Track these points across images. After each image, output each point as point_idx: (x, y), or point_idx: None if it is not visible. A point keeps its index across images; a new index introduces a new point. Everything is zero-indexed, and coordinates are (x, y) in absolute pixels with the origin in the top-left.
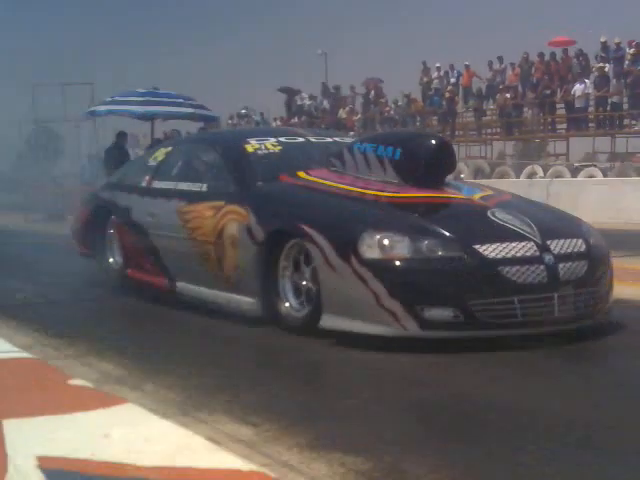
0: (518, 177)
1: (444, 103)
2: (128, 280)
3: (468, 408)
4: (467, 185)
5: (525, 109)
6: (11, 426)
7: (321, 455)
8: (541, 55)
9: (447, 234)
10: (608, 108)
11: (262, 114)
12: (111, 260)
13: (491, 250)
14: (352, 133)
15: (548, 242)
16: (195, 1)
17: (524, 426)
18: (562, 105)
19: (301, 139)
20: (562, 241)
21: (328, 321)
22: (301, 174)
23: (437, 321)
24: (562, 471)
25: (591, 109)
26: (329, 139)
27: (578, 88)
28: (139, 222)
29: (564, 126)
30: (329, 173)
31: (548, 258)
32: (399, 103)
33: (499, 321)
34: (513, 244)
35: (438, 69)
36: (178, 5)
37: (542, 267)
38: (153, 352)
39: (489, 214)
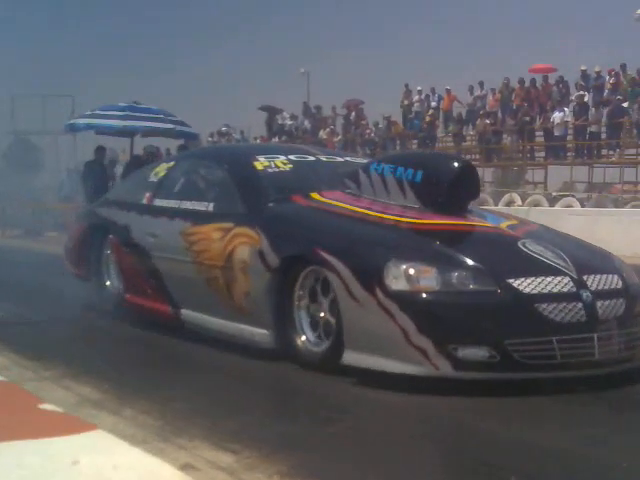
0: (497, 205)
1: (424, 127)
2: (126, 305)
3: (456, 444)
4: (490, 213)
5: (504, 135)
6: None
7: None
8: (521, 81)
9: (478, 265)
10: (587, 137)
11: (242, 132)
12: (108, 283)
13: (526, 285)
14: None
15: (584, 277)
16: (177, 17)
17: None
18: (541, 133)
19: (311, 157)
20: (598, 277)
21: (351, 358)
22: (315, 195)
23: (471, 361)
24: None
25: (570, 137)
26: (340, 158)
27: (557, 116)
28: (139, 243)
29: (542, 154)
30: (344, 195)
31: (586, 295)
32: (379, 125)
33: (537, 362)
34: (548, 279)
35: (419, 92)
36: (160, 21)
37: (580, 305)
38: (132, 376)
39: (520, 245)
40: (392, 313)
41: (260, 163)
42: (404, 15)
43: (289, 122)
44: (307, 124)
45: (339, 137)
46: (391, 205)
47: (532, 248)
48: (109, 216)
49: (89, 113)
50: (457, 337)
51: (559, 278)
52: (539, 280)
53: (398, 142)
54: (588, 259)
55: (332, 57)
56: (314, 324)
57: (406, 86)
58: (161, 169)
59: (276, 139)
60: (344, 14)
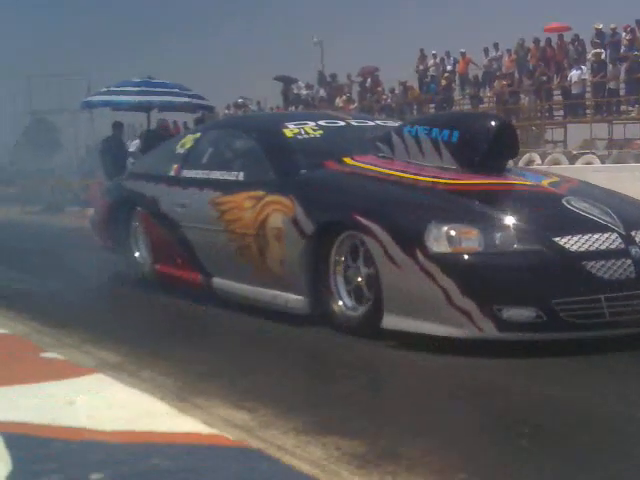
0: (516, 165)
1: (441, 90)
2: (157, 276)
3: (465, 394)
4: (530, 171)
5: (522, 96)
6: None
7: (317, 439)
8: (536, 41)
9: (522, 225)
10: (605, 94)
11: (259, 103)
12: (137, 254)
13: (573, 243)
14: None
15: (632, 233)
16: None
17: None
18: (559, 92)
19: (342, 122)
20: None
21: (391, 321)
22: (348, 160)
23: (517, 322)
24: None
25: (588, 95)
26: (371, 122)
27: (575, 74)
28: (168, 214)
29: (561, 113)
30: (377, 159)
31: (635, 251)
32: (396, 91)
33: (586, 321)
34: (596, 236)
35: (434, 56)
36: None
37: (629, 261)
38: (151, 340)
39: (564, 202)
40: (434, 275)
41: (289, 130)
42: None
43: (305, 91)
44: (323, 93)
45: (355, 104)
46: (427, 167)
47: (577, 205)
48: (136, 189)
49: (105, 90)
50: (502, 298)
51: (606, 235)
52: (586, 237)
53: (415, 107)
54: (635, 214)
55: (345, 26)
56: (351, 289)
57: (421, 51)
58: (187, 140)
59: (292, 109)
60: None
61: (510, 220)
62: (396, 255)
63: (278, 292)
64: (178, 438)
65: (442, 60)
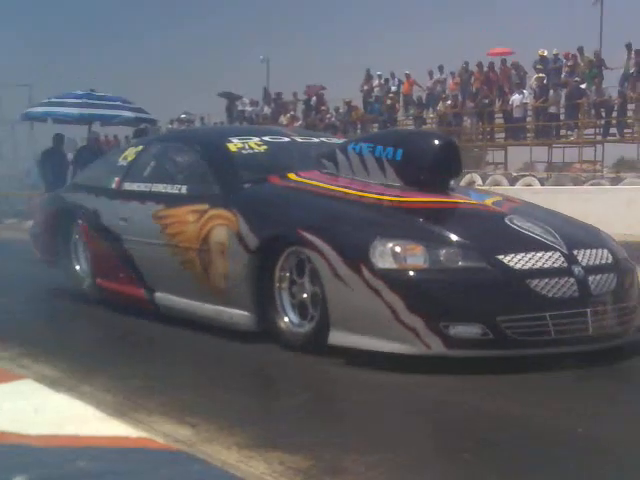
0: (457, 185)
1: (385, 110)
2: (98, 290)
3: (415, 406)
4: (473, 190)
5: (465, 118)
6: None
7: (260, 454)
8: (480, 65)
9: (466, 242)
10: (546, 118)
11: (202, 119)
12: (77, 268)
13: (517, 261)
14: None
15: (574, 252)
16: (137, 5)
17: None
18: (501, 115)
19: (286, 138)
20: (589, 251)
21: (338, 338)
22: (292, 176)
23: (464, 339)
24: None
25: (529, 119)
26: (315, 139)
27: (516, 98)
28: (109, 227)
29: (502, 135)
30: (322, 175)
31: (577, 270)
32: (340, 110)
33: (531, 338)
34: (539, 254)
35: (379, 77)
36: (116, 5)
37: (572, 280)
38: (91, 355)
39: (507, 221)
40: (380, 292)
41: (233, 145)
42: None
43: (249, 108)
44: (267, 110)
45: (299, 122)
46: (371, 184)
47: (520, 224)
48: (77, 201)
49: (46, 101)
50: (448, 315)
51: (549, 253)
52: (529, 256)
53: (359, 126)
54: (577, 234)
55: (291, 44)
56: (296, 305)
57: (367, 71)
58: (130, 153)
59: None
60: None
61: (454, 237)
62: (342, 271)
63: (222, 308)
64: (106, 441)
65: (386, 81)
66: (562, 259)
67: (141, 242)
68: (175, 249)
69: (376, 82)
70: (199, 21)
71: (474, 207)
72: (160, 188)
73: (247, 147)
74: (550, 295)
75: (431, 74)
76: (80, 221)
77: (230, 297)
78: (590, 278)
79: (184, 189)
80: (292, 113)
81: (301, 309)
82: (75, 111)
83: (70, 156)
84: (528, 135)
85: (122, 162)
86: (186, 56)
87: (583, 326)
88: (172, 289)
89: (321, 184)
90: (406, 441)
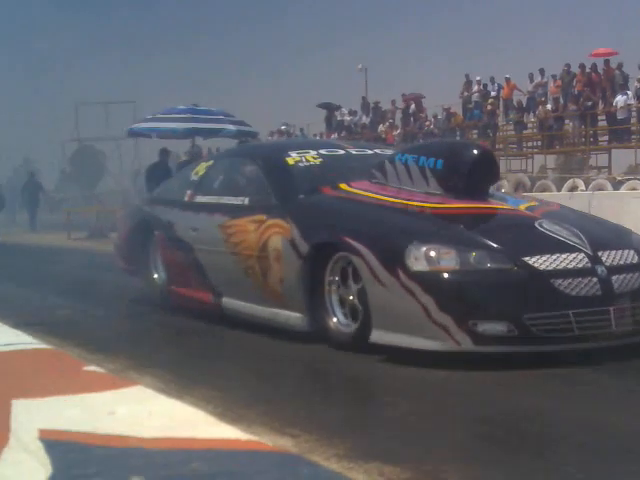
0: (559, 190)
1: (484, 116)
2: (173, 296)
3: (510, 419)
4: (512, 196)
5: (566, 121)
6: (20, 405)
7: (359, 465)
8: (582, 66)
9: (495, 245)
10: None
11: (302, 130)
12: (156, 276)
13: (541, 262)
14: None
15: (599, 253)
16: (234, 18)
17: (567, 438)
18: (604, 117)
19: (341, 151)
20: (614, 252)
21: (378, 336)
22: (343, 186)
23: (491, 336)
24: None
25: (633, 120)
26: (369, 151)
27: (620, 99)
28: (182, 237)
29: (606, 138)
30: (371, 185)
31: (601, 270)
32: (439, 117)
33: (555, 335)
34: (563, 255)
35: (478, 82)
36: (220, 22)
37: (595, 279)
38: (194, 366)
39: (536, 225)
40: (414, 292)
41: (292, 158)
42: (460, 6)
43: (348, 118)
44: (366, 119)
45: (398, 131)
46: (415, 192)
47: (548, 227)
48: (154, 213)
49: (150, 117)
50: (476, 313)
51: (574, 254)
52: (554, 257)
53: (458, 133)
54: (604, 236)
55: (389, 52)
56: (344, 307)
57: (466, 76)
58: (201, 168)
59: (335, 135)
60: (400, 9)
61: (484, 241)
62: (381, 274)
63: (279, 310)
64: (217, 444)
65: (485, 86)
66: (586, 260)
67: (209, 251)
68: (238, 256)
69: (475, 87)
70: (298, 33)
71: (507, 212)
72: (226, 200)
73: (304, 160)
74: (573, 294)
75: (532, 77)
76: (157, 232)
77: (285, 300)
78: (614, 277)
79: (246, 201)
80: (390, 121)
81: (348, 310)
82: (179, 126)
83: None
84: (633, 137)
85: (194, 177)
86: (286, 68)
87: (606, 323)
88: (236, 294)
89: (369, 194)
90: (505, 452)
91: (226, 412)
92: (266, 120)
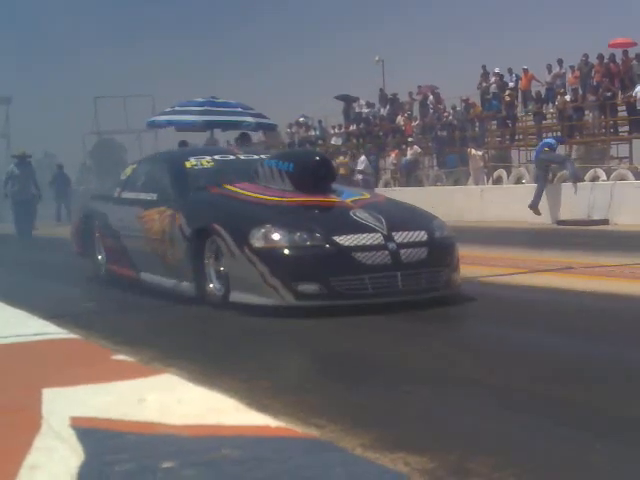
0: (581, 181)
1: (503, 107)
2: (111, 273)
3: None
4: (350, 190)
5: (586, 112)
6: (50, 394)
7: (385, 455)
8: (600, 57)
9: (314, 228)
10: None
11: (320, 122)
12: (99, 257)
13: (346, 240)
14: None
15: (393, 233)
16: (252, 12)
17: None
18: (623, 107)
19: (232, 157)
20: (405, 233)
21: (234, 297)
22: (226, 185)
23: (307, 294)
24: None
25: None
26: (256, 157)
27: (639, 90)
28: (113, 225)
29: (626, 128)
30: (248, 184)
31: (392, 245)
32: (457, 108)
33: (355, 292)
34: (364, 235)
35: (496, 74)
36: (236, 17)
37: (387, 252)
38: (220, 356)
39: (351, 213)
40: (255, 263)
41: (190, 162)
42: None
43: (366, 110)
44: (384, 111)
45: (417, 122)
46: (275, 189)
47: (359, 215)
48: (95, 207)
49: (169, 110)
50: (297, 277)
51: (372, 234)
52: (357, 236)
53: (477, 124)
54: (402, 221)
55: (407, 44)
56: (219, 276)
57: (483, 67)
58: (129, 170)
59: (354, 127)
60: (415, 3)
61: (308, 225)
62: (234, 250)
63: (176, 281)
64: (246, 431)
65: (501, 77)
66: (381, 238)
67: (130, 236)
68: (148, 240)
69: (493, 79)
70: (317, 26)
71: (331, 204)
72: (143, 196)
73: (199, 164)
74: (369, 263)
75: (550, 68)
76: (97, 222)
77: (179, 273)
78: (402, 251)
79: (155, 196)
80: (409, 113)
81: (219, 278)
82: (198, 118)
83: None
84: None
85: (123, 177)
86: (304, 60)
87: (394, 284)
88: (149, 269)
89: (242, 191)
90: (535, 442)
91: (252, 403)
92: (285, 112)
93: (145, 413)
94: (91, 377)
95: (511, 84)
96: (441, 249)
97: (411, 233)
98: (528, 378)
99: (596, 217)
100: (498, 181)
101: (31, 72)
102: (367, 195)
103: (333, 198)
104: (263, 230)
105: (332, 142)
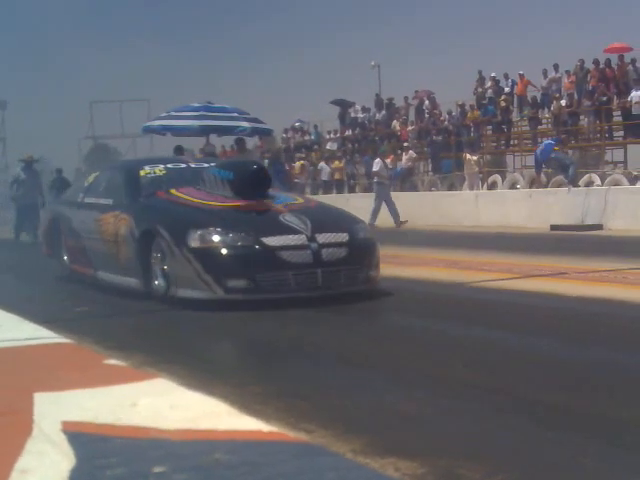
0: (575, 186)
1: (498, 112)
2: (74, 272)
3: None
4: (286, 196)
5: (581, 117)
6: (42, 398)
7: (375, 460)
8: (596, 62)
9: (245, 230)
10: None
11: (316, 127)
12: (65, 258)
13: (273, 241)
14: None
15: (316, 235)
16: (248, 16)
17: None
18: (619, 113)
19: (184, 165)
20: (328, 234)
21: (173, 292)
22: (173, 191)
23: (236, 288)
24: None
25: None
26: (206, 165)
27: (635, 95)
28: (75, 228)
29: (621, 133)
30: (193, 190)
31: (313, 246)
32: (453, 113)
33: (279, 287)
34: (289, 236)
35: (492, 78)
36: (232, 23)
37: (309, 252)
38: (209, 362)
39: (280, 217)
40: (191, 261)
41: (144, 170)
42: (473, 2)
43: (361, 115)
44: (379, 116)
45: (413, 127)
46: (216, 195)
47: (288, 218)
48: (61, 211)
49: (164, 115)
50: (227, 274)
51: (297, 236)
52: (282, 237)
53: (472, 128)
54: (327, 224)
55: (403, 49)
56: (162, 273)
57: (479, 73)
58: (91, 177)
59: (349, 132)
60: (413, 6)
61: (239, 227)
62: (174, 250)
63: (127, 278)
64: (239, 435)
65: (497, 82)
66: (305, 239)
67: (89, 238)
68: (104, 241)
69: (489, 84)
70: (313, 31)
71: (264, 209)
72: (101, 201)
73: (152, 172)
74: (293, 261)
75: (545, 73)
76: (62, 225)
77: (130, 271)
78: (323, 250)
79: (111, 201)
80: (404, 118)
81: (164, 276)
82: (194, 123)
83: None
84: None
85: (86, 183)
86: (301, 66)
87: (314, 280)
88: (104, 268)
89: (186, 196)
90: (523, 449)
91: (242, 409)
92: (281, 117)
93: (137, 418)
94: (83, 381)
95: (507, 89)
96: (361, 249)
97: (333, 235)
98: (522, 382)
99: (590, 222)
100: (493, 186)
101: (27, 76)
102: (301, 200)
103: (267, 203)
104: (199, 232)
105: (328, 147)
